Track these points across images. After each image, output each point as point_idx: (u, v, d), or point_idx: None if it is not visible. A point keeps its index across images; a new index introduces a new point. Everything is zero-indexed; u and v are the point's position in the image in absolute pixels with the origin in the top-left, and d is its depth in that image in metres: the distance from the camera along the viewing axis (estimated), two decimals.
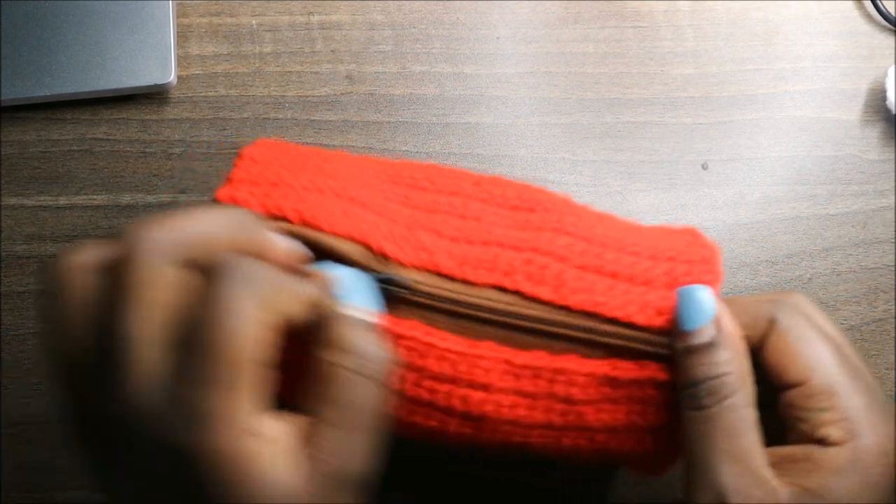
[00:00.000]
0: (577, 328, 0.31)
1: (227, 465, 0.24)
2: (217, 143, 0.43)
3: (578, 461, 0.33)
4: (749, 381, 0.30)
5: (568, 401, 0.31)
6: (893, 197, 0.44)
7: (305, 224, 0.31)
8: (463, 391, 0.31)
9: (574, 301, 0.31)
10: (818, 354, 0.30)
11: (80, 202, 0.42)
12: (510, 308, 0.31)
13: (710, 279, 0.32)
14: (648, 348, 0.31)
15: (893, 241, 0.43)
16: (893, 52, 0.46)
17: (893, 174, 0.44)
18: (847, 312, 0.42)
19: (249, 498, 0.24)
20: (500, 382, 0.31)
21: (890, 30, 0.46)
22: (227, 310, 0.24)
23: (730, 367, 0.29)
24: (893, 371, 0.42)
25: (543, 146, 0.44)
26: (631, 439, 0.32)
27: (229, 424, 0.24)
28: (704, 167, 0.44)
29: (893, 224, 0.43)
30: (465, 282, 0.31)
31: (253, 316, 0.25)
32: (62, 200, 0.42)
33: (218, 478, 0.24)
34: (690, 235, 0.35)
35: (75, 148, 0.43)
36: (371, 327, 0.28)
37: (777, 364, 0.30)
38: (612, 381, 0.31)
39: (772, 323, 0.30)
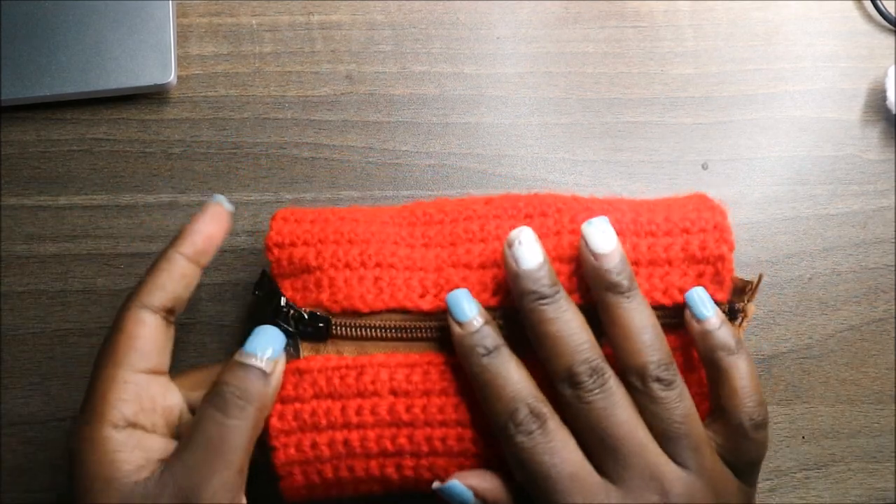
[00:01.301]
0: None
1: (82, 448, 0.30)
2: (217, 143, 0.43)
3: None
4: None
5: None
6: (893, 197, 0.44)
7: (345, 311, 0.33)
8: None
9: None
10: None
11: (80, 202, 0.42)
12: None
13: (726, 247, 0.34)
14: (677, 321, 0.34)
15: (893, 241, 0.43)
16: (893, 51, 0.46)
17: (893, 174, 0.44)
18: (847, 312, 0.42)
19: (91, 479, 0.30)
20: None
21: (890, 30, 0.46)
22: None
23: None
24: (893, 371, 0.42)
25: (543, 146, 0.44)
26: None
27: (95, 418, 0.31)
28: (704, 167, 0.44)
29: (893, 224, 0.43)
30: (503, 307, 0.34)
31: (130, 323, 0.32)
32: (62, 200, 0.42)
33: (74, 457, 0.31)
34: (698, 199, 0.36)
35: (75, 148, 0.43)
36: (257, 373, 0.31)
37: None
38: None
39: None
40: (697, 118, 0.44)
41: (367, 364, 0.33)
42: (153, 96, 0.43)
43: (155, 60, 0.42)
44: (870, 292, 0.43)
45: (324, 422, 0.32)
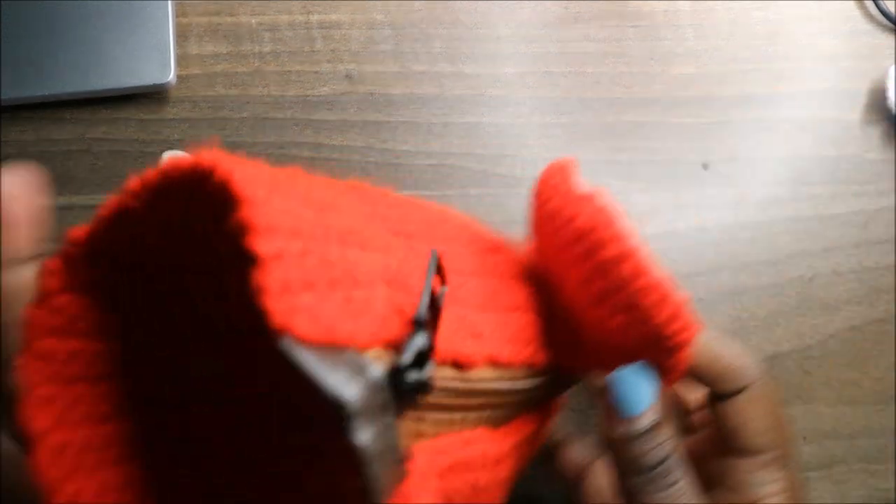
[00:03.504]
0: None
1: None
2: (216, 143, 0.43)
3: None
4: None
5: None
6: (894, 197, 0.44)
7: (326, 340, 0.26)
8: None
9: None
10: (779, 426, 0.30)
11: (79, 202, 0.42)
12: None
13: None
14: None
15: (894, 241, 0.43)
16: (894, 51, 0.45)
17: (894, 174, 0.44)
18: (848, 312, 0.42)
19: None
20: None
21: (891, 29, 0.46)
22: None
23: (671, 442, 0.28)
24: (893, 371, 0.42)
25: (543, 146, 0.44)
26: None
27: None
28: (705, 167, 0.44)
29: (894, 224, 0.43)
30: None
31: None
32: (61, 200, 0.42)
33: None
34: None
35: (74, 148, 0.43)
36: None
37: (741, 426, 0.30)
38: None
39: (751, 385, 0.30)
40: (698, 118, 0.44)
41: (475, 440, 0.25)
42: (152, 96, 0.43)
43: (154, 60, 0.42)
44: (871, 292, 0.42)
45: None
